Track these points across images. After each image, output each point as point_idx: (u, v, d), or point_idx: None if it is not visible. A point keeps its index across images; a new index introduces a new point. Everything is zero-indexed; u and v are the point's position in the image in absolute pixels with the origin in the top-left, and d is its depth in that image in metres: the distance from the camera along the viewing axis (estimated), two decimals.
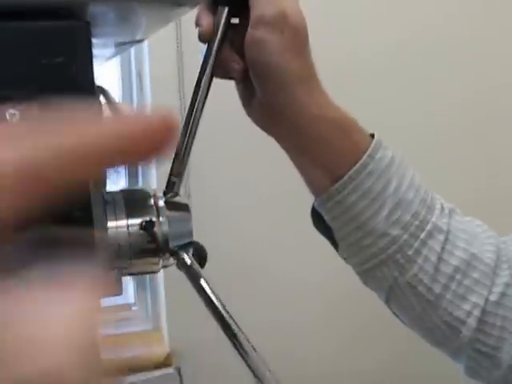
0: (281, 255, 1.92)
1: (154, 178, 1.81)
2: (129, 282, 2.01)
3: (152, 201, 0.58)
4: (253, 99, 0.62)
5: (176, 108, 1.72)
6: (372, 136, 0.62)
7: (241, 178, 1.85)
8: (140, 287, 2.02)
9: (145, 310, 2.03)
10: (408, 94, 1.91)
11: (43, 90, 0.39)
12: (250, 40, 0.59)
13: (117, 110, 0.77)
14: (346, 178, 0.60)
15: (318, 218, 0.64)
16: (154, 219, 0.56)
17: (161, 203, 0.58)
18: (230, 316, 0.56)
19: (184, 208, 0.60)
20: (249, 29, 0.59)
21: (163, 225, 0.57)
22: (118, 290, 0.73)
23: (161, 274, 1.90)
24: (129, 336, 1.97)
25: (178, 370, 0.54)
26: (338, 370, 2.00)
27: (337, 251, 0.66)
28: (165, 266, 0.61)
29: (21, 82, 0.39)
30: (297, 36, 0.59)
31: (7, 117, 0.37)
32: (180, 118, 1.70)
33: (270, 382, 0.53)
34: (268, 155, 1.74)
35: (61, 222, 0.43)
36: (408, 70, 1.91)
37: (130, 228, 0.56)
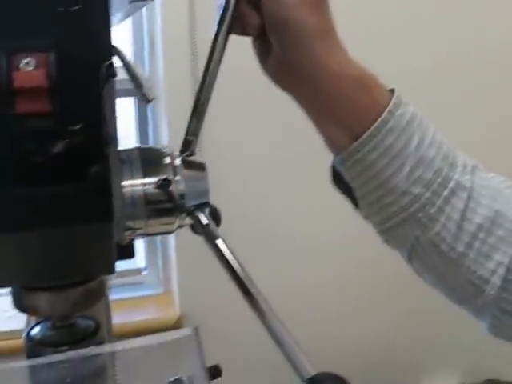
0: (294, 217, 1.91)
1: (165, 137, 1.79)
2: (138, 248, 2.02)
3: (168, 159, 0.57)
4: (270, 56, 0.61)
5: (187, 69, 1.69)
6: (392, 92, 0.61)
7: (255, 138, 1.83)
8: (151, 252, 2.02)
9: (155, 274, 2.03)
10: (415, 46, 1.89)
11: (59, 39, 0.38)
12: None
13: (132, 71, 0.75)
14: (366, 135, 0.58)
15: (337, 177, 0.63)
16: (170, 178, 0.55)
17: (177, 162, 0.57)
18: (248, 276, 0.55)
19: (200, 167, 0.59)
20: None
21: (179, 184, 0.56)
22: (131, 253, 0.72)
23: (172, 239, 1.90)
24: (140, 300, 1.98)
25: (196, 331, 0.53)
26: (353, 332, 2.01)
27: (356, 210, 0.64)
28: (180, 226, 0.60)
29: (37, 31, 0.38)
30: None
31: (22, 66, 0.36)
32: (192, 79, 1.68)
33: (288, 342, 0.52)
34: (283, 115, 1.72)
35: (78, 178, 0.42)
36: (416, 23, 1.89)
37: (146, 187, 0.55)
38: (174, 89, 1.71)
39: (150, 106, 1.87)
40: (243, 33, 0.61)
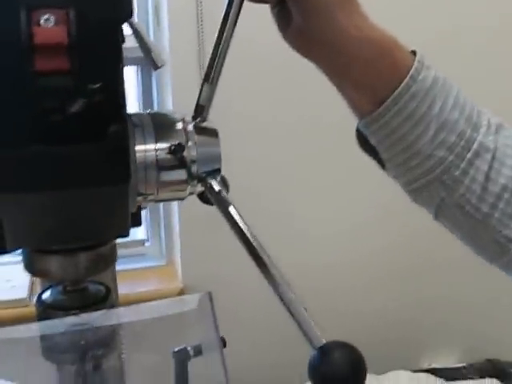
0: (303, 196, 1.91)
1: (170, 105, 1.78)
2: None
3: (180, 125, 0.56)
4: (289, 24, 0.60)
5: (193, 36, 1.68)
6: (415, 54, 0.60)
7: (263, 113, 1.82)
8: (154, 223, 2.02)
9: (158, 245, 2.03)
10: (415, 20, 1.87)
11: None
12: None
13: (141, 36, 0.74)
14: (389, 101, 0.59)
15: (362, 139, 0.64)
16: (183, 143, 0.55)
17: (190, 128, 0.57)
18: (259, 244, 0.55)
19: (213, 133, 0.58)
20: None
21: (192, 149, 0.56)
22: (138, 221, 0.72)
23: (175, 210, 1.90)
24: (142, 271, 1.98)
25: (210, 295, 0.53)
26: (357, 309, 2.02)
27: (383, 171, 0.65)
28: (191, 193, 0.60)
29: None
30: None
31: (42, 22, 0.35)
32: (198, 47, 1.67)
33: (300, 310, 0.52)
34: (294, 87, 1.71)
35: (96, 138, 0.42)
36: None
37: (158, 152, 0.54)
38: (179, 56, 1.69)
39: (154, 74, 1.86)
40: (260, 0, 0.60)
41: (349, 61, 0.59)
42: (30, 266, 0.52)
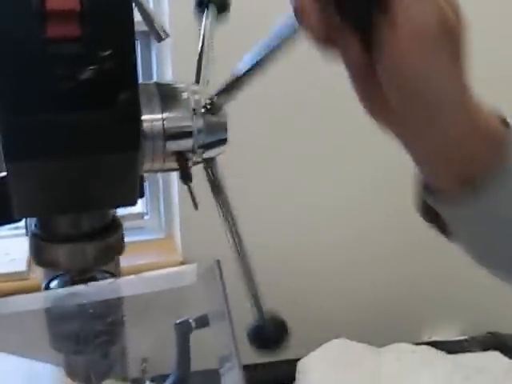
0: (303, 180, 1.91)
1: (169, 76, 1.77)
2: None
3: (186, 95, 0.57)
4: (376, 95, 0.49)
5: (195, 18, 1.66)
6: (505, 123, 0.50)
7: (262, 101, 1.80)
8: (153, 196, 2.02)
9: (157, 218, 2.03)
10: None
11: None
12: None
13: (143, 7, 0.74)
14: (476, 182, 0.49)
15: (426, 208, 0.54)
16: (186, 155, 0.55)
17: (196, 97, 0.57)
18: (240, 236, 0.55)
19: (221, 99, 0.58)
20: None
21: (198, 119, 0.56)
22: (141, 193, 0.72)
23: (175, 183, 1.89)
24: (141, 244, 1.98)
25: (218, 263, 0.53)
26: (359, 285, 2.03)
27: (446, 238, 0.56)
28: (196, 163, 0.61)
29: None
30: (453, 42, 0.45)
31: None
32: (199, 31, 1.65)
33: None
34: (292, 76, 1.70)
35: (107, 105, 0.42)
36: None
37: (165, 122, 0.54)
38: (178, 30, 1.67)
39: (154, 48, 1.84)
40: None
41: (440, 148, 0.49)
42: (38, 258, 0.52)
